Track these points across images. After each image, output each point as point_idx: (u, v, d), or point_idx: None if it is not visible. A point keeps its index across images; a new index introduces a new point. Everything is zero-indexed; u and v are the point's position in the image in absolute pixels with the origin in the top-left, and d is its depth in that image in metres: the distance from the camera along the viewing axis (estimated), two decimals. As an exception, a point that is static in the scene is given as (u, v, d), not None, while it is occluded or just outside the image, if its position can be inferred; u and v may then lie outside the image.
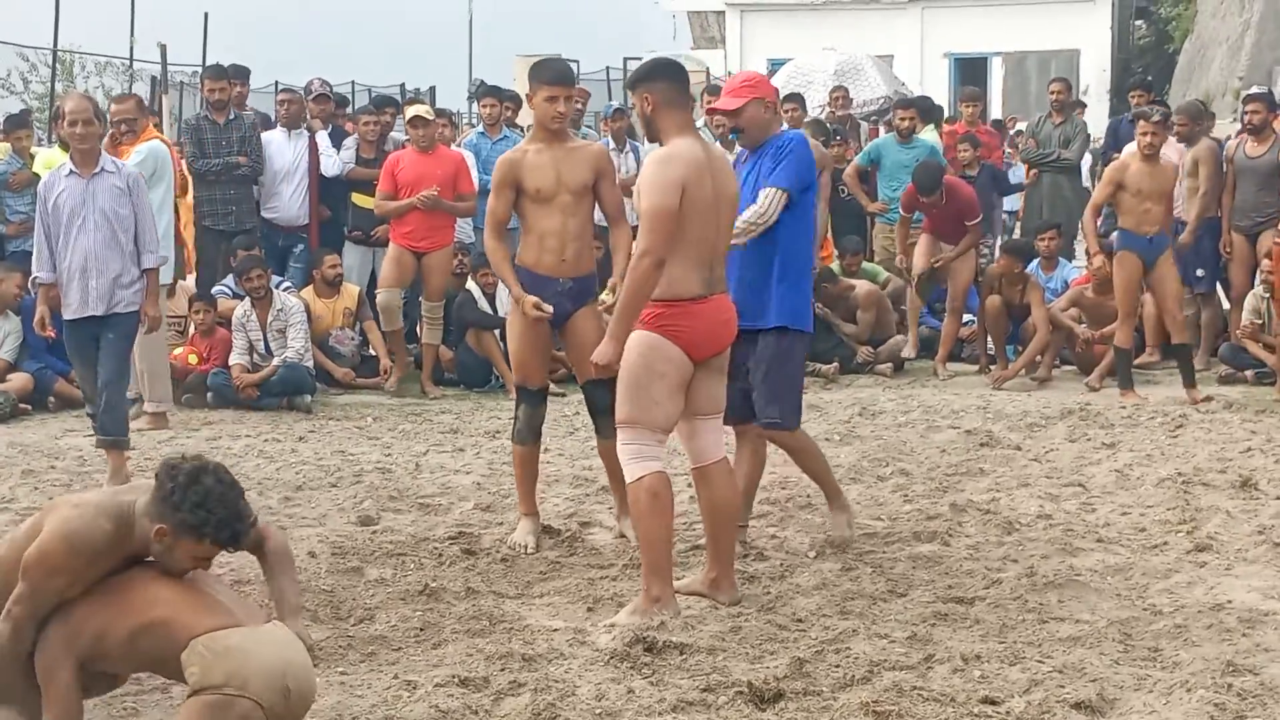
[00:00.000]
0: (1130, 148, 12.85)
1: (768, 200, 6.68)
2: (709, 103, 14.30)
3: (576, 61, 36.74)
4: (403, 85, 31.89)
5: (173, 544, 4.39)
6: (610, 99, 32.08)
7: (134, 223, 8.29)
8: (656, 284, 5.88)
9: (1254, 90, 13.66)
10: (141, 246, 8.33)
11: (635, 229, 6.12)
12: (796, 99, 14.91)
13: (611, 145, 13.55)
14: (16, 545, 4.53)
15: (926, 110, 14.52)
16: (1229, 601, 6.13)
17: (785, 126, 7.43)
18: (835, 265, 13.14)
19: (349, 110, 15.80)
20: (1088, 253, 12.53)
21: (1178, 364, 11.25)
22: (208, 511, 4.38)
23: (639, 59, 37.65)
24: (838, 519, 7.18)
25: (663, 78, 6.06)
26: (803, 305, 6.90)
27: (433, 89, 32.95)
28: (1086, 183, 16.22)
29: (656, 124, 6.05)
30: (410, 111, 12.11)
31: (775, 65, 29.69)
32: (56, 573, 4.37)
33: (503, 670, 5.42)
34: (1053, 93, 14.83)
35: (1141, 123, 11.09)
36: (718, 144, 13.34)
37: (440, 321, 11.88)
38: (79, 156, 8.16)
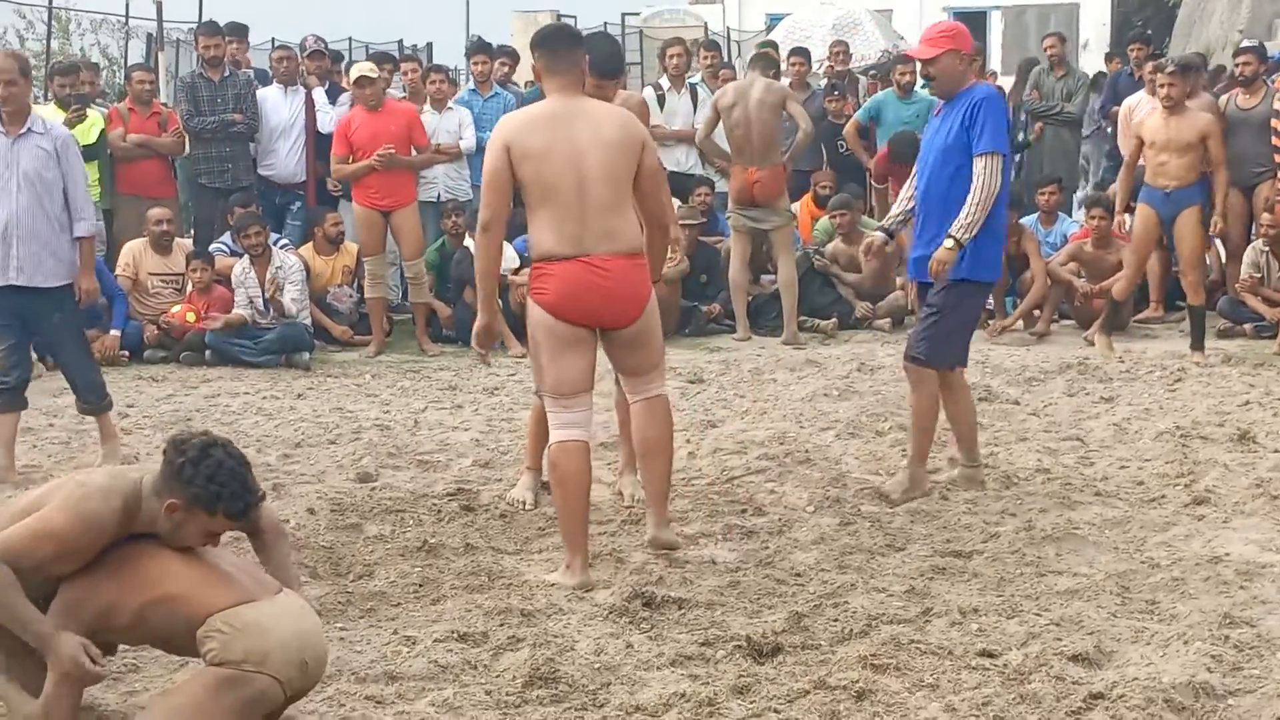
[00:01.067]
0: (1139, 100, 12.85)
1: (986, 168, 6.84)
2: (708, 58, 14.39)
3: (574, 17, 36.65)
4: (400, 42, 31.75)
5: (184, 519, 4.38)
6: (608, 55, 31.94)
7: (63, 188, 7.79)
8: (491, 248, 5.98)
9: (1245, 43, 13.60)
10: (73, 213, 7.85)
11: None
12: (802, 53, 14.86)
13: None
14: (12, 518, 4.48)
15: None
16: (1226, 554, 6.14)
17: (974, 80, 7.43)
18: (825, 224, 13.11)
19: (345, 66, 15.71)
20: (1086, 205, 12.52)
21: (1190, 324, 11.02)
22: (220, 484, 4.37)
23: (637, 14, 37.64)
24: (903, 476, 7.21)
25: (539, 46, 6.12)
26: (995, 256, 7.10)
27: (430, 45, 32.83)
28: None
29: (541, 89, 6.14)
30: (354, 71, 12.01)
31: (774, 20, 29.61)
32: (49, 540, 4.30)
33: (502, 625, 5.44)
34: (1047, 47, 14.74)
35: (1160, 75, 11.03)
36: (689, 95, 13.37)
37: (423, 279, 11.83)
38: (5, 115, 7.74)
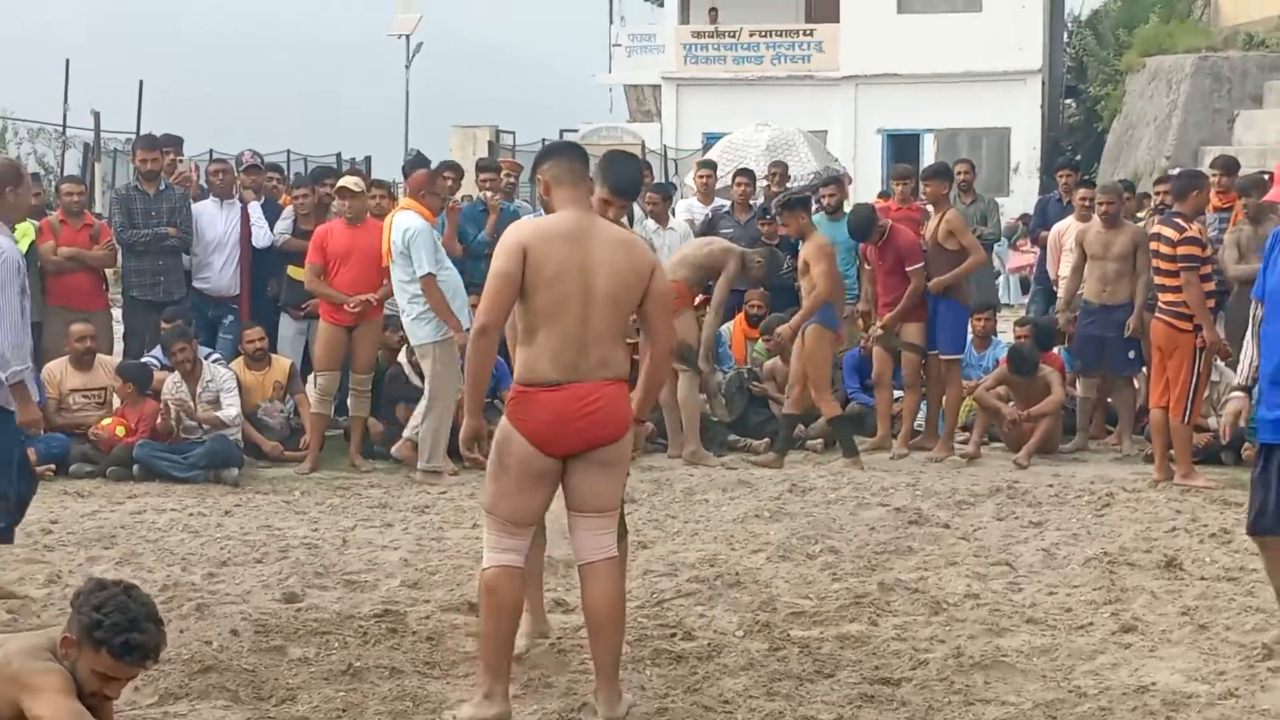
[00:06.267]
0: (1068, 225, 13.11)
1: None
2: (740, 183, 14.42)
3: (513, 133, 36.97)
4: (339, 155, 31.94)
5: (76, 656, 4.32)
6: (546, 171, 32.19)
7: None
8: (486, 353, 5.74)
9: (1172, 172, 13.92)
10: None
11: None
12: (747, 174, 15.02)
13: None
14: None
15: (845, 187, 14.73)
16: (1153, 684, 6.16)
17: None
18: (759, 346, 13.19)
19: (285, 178, 15.75)
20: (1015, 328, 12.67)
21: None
22: (104, 614, 4.30)
23: (575, 130, 38.00)
24: None
25: (551, 159, 5.95)
26: None
27: (368, 159, 33.02)
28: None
29: (551, 203, 5.94)
30: (339, 183, 12.08)
31: (710, 139, 29.95)
32: None
33: (425, 753, 5.36)
34: (960, 173, 14.89)
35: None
36: (648, 223, 13.47)
37: (368, 394, 11.78)
38: None
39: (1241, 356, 6.64)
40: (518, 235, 5.74)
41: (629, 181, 6.22)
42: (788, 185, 16.28)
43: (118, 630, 4.32)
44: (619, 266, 5.72)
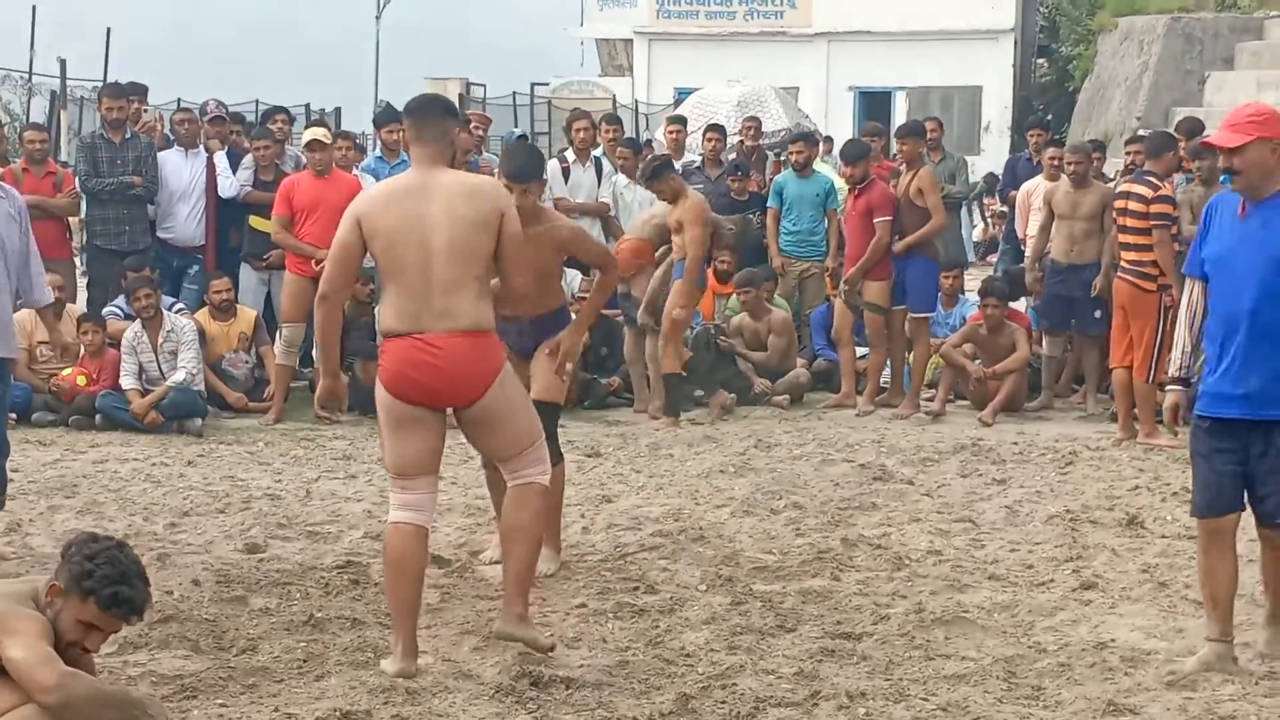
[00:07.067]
0: (1037, 184, 13.10)
1: None
2: (609, 132, 14.41)
3: (483, 85, 36.80)
4: (307, 105, 31.66)
5: (61, 605, 4.35)
6: (516, 124, 32.15)
7: (27, 255, 7.60)
8: (325, 318, 6.00)
9: (1143, 132, 13.93)
10: (35, 280, 7.72)
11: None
12: (718, 129, 14.96)
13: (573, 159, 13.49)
14: None
15: (814, 143, 14.70)
16: (1112, 640, 6.19)
17: None
18: (733, 302, 13.14)
19: (250, 124, 15.62)
20: (980, 294, 12.68)
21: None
22: (95, 565, 4.34)
23: (546, 84, 37.87)
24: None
25: (407, 118, 6.06)
26: None
27: (338, 110, 32.79)
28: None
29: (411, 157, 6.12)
30: (307, 135, 12.01)
31: (682, 94, 29.83)
32: None
33: (386, 704, 5.37)
34: (929, 131, 14.85)
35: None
36: (618, 178, 13.41)
37: None
38: None
39: (1174, 344, 6.16)
40: (354, 206, 5.96)
41: (517, 169, 6.84)
42: (760, 142, 16.23)
43: (108, 582, 4.37)
44: (459, 216, 5.79)
